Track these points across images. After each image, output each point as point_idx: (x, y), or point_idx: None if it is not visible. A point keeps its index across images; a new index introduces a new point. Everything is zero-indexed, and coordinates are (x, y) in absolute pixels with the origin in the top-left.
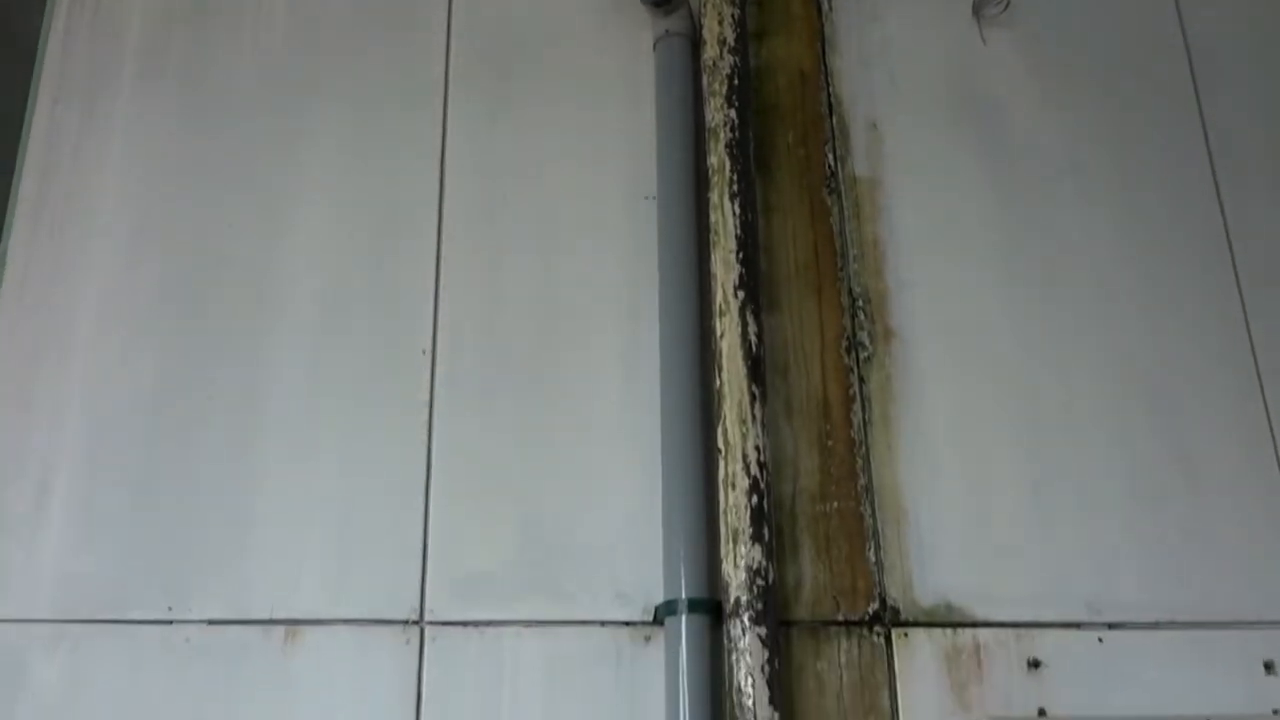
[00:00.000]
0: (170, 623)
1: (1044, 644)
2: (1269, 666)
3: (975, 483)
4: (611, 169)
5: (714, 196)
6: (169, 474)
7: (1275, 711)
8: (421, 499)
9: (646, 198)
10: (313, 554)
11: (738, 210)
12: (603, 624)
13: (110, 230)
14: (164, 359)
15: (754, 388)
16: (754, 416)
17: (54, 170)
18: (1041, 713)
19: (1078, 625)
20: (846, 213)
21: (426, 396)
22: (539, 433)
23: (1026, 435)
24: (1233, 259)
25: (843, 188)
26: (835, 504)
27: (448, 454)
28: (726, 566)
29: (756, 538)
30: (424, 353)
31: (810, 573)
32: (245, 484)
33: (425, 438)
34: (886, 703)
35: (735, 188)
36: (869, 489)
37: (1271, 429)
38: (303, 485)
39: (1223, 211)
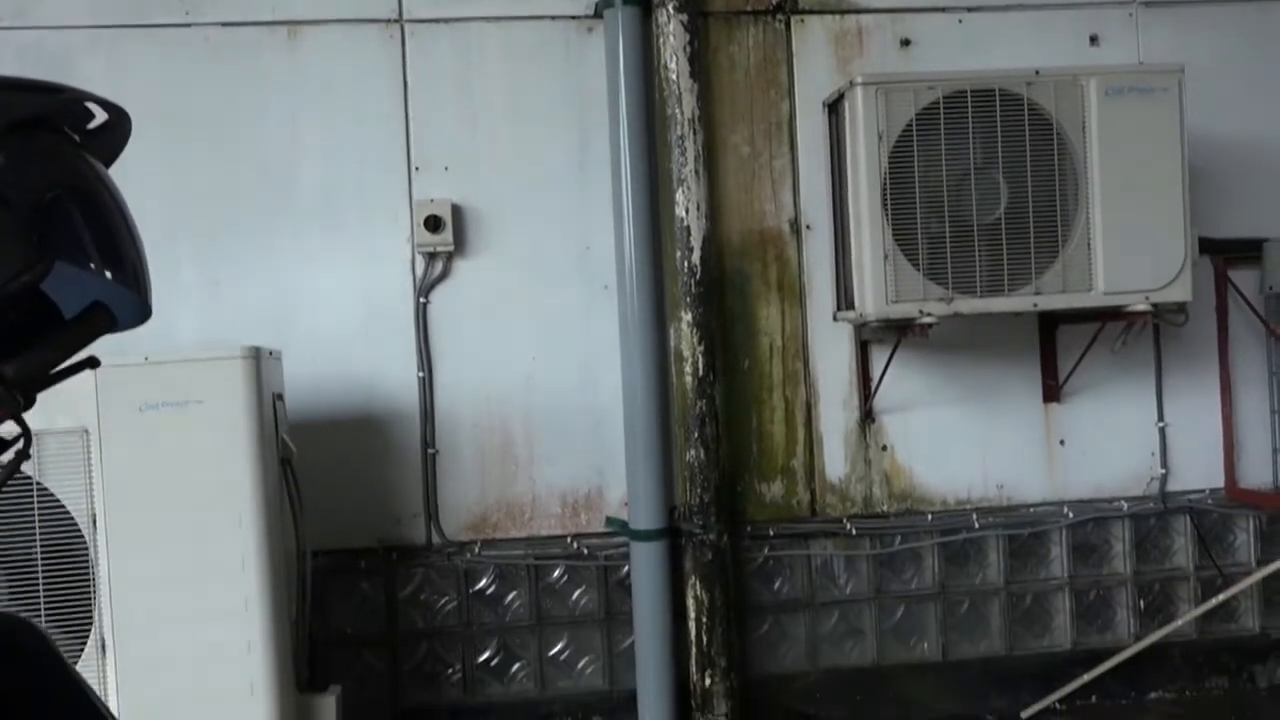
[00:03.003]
0: (189, 25)
1: (914, 26)
2: (1094, 39)
3: None
4: None
5: None
6: None
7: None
8: None
9: None
10: None
11: None
12: (553, 18)
13: None
14: None
15: None
16: None
17: None
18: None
19: (943, 10)
20: None
21: None
22: None
23: None
24: None
25: None
26: None
27: None
28: None
29: None
30: None
31: None
32: None
33: None
34: (785, 77)
35: None
36: None
37: None
38: None
39: None
